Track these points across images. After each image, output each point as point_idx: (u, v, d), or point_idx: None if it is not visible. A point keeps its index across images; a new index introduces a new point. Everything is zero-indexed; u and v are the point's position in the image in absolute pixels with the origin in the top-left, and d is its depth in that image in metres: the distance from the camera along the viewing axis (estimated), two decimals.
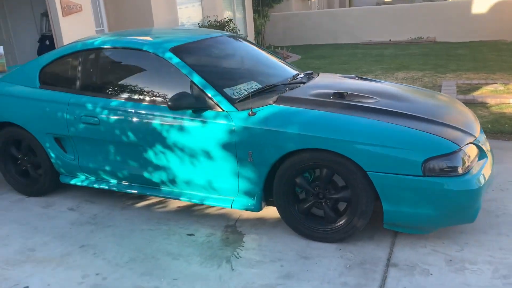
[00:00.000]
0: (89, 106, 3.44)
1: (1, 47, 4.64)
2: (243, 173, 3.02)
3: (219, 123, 3.00)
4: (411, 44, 13.54)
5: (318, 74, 3.90)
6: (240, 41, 4.19)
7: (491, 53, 10.63)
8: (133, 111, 3.28)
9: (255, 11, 12.50)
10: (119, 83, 3.48)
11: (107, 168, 3.52)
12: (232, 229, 3.22)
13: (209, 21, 9.51)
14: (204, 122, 3.05)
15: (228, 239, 3.09)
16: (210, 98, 3.06)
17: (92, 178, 3.66)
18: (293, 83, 3.50)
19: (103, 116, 3.37)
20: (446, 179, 2.61)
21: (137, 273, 2.74)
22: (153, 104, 3.24)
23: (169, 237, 3.16)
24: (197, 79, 3.14)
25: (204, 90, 3.09)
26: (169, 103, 3.01)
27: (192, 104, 3.03)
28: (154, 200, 3.75)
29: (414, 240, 2.93)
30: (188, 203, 3.62)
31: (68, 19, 6.67)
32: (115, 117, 3.33)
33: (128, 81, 3.45)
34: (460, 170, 2.64)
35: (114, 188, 3.57)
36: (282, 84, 3.43)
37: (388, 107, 3.01)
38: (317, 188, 2.91)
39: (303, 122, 2.85)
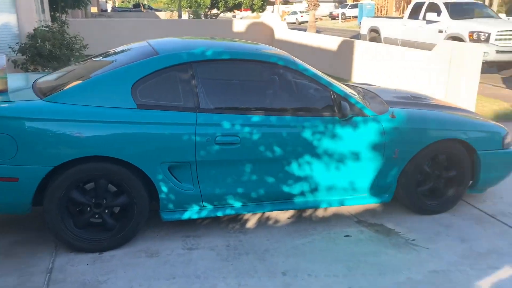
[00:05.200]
0: (226, 124, 3.03)
1: (4, 56, 3.02)
2: (385, 170, 3.45)
3: (371, 127, 3.34)
4: None
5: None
6: None
7: None
8: (278, 124, 3.15)
9: (52, 18, 10.96)
10: (252, 97, 3.23)
11: (239, 190, 3.18)
12: (369, 223, 3.56)
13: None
14: (355, 127, 3.30)
15: (378, 231, 3.45)
16: (354, 106, 3.34)
17: (210, 207, 3.18)
18: (371, 91, 4.06)
19: (245, 133, 3.06)
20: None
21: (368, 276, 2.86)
22: (298, 116, 3.21)
23: (336, 243, 3.24)
24: (337, 89, 3.34)
25: (348, 99, 3.33)
26: (339, 114, 3.17)
27: (348, 112, 3.24)
28: (253, 219, 3.56)
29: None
30: (293, 211, 3.65)
31: None
32: (258, 134, 3.10)
33: (260, 94, 3.25)
34: None
35: (243, 211, 3.26)
36: (368, 91, 3.95)
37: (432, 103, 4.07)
38: (436, 171, 3.66)
39: (435, 120, 3.57)
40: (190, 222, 3.42)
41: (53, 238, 3.09)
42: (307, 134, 3.20)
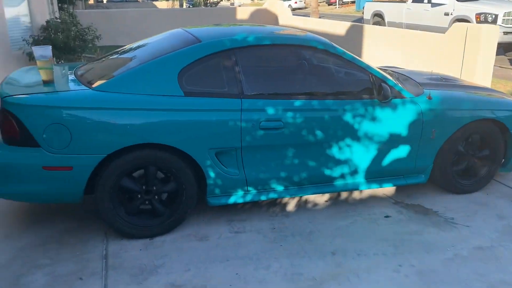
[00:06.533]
0: (270, 110, 3.07)
1: (49, 47, 3.04)
2: (422, 151, 3.51)
3: (409, 109, 3.38)
4: None
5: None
6: None
7: None
8: (319, 108, 3.20)
9: (59, 9, 10.88)
10: (293, 82, 3.26)
11: (282, 174, 3.23)
12: (406, 204, 3.63)
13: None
14: (394, 109, 3.35)
15: (417, 211, 3.52)
16: (393, 88, 3.38)
17: (254, 191, 3.23)
18: (403, 74, 4.10)
19: (288, 118, 3.11)
20: None
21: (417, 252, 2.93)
22: (339, 99, 3.25)
23: (378, 223, 3.31)
24: (376, 72, 3.38)
25: (386, 82, 3.37)
26: (380, 96, 3.22)
27: (389, 94, 3.28)
28: (282, 202, 3.63)
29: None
30: (329, 194, 3.72)
31: None
32: (301, 118, 3.14)
33: (300, 79, 3.29)
34: None
35: (285, 195, 3.31)
36: (400, 73, 4.00)
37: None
38: (470, 151, 3.72)
39: (469, 101, 3.62)
40: (232, 207, 3.48)
41: (103, 226, 3.16)
42: (347, 117, 3.25)
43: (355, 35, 9.54)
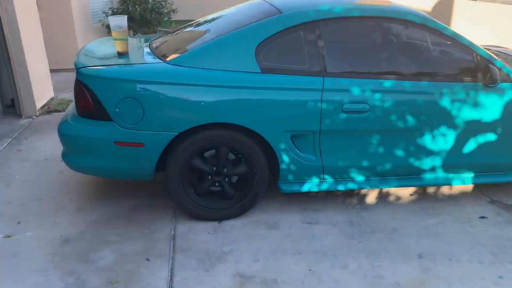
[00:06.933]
0: (355, 90, 2.75)
1: (125, 17, 2.99)
2: None
3: None
4: None
5: None
6: None
7: None
8: (412, 91, 2.81)
9: None
10: (383, 59, 2.91)
11: (364, 163, 2.92)
12: (505, 204, 3.18)
13: None
14: (501, 95, 2.88)
15: None
16: (500, 70, 2.90)
17: (331, 180, 2.96)
18: (509, 54, 3.58)
19: (375, 100, 2.77)
20: None
21: None
22: (436, 81, 2.84)
23: (472, 224, 2.91)
24: (481, 51, 2.92)
25: (494, 63, 2.90)
26: (485, 80, 2.79)
27: (498, 77, 2.82)
28: (360, 194, 3.31)
29: None
30: (414, 187, 3.35)
31: None
32: (390, 101, 2.78)
33: (392, 56, 2.92)
34: None
35: (365, 186, 3.00)
36: (505, 54, 3.47)
37: None
38: None
39: None
40: (304, 194, 3.24)
41: (172, 204, 3.06)
42: (445, 102, 2.84)
43: (443, 11, 8.72)
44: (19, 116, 4.94)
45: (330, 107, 2.75)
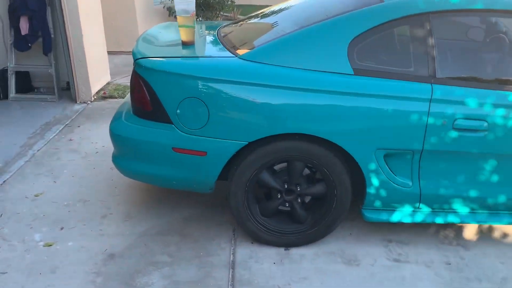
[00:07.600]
0: (472, 103, 2.18)
1: (193, 0, 2.59)
2: None
3: None
4: None
5: None
6: None
7: None
8: None
9: None
10: (510, 65, 2.30)
11: (471, 193, 2.34)
12: None
13: None
14: None
15: None
16: None
17: (427, 210, 2.42)
18: None
19: (497, 117, 2.18)
20: None
21: None
22: None
23: None
24: None
25: None
26: None
27: None
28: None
29: None
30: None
31: None
32: None
33: None
34: None
35: (470, 221, 2.43)
36: None
37: None
38: None
39: None
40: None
41: (231, 219, 2.64)
42: None
43: None
44: (74, 100, 4.71)
45: (438, 122, 2.18)
